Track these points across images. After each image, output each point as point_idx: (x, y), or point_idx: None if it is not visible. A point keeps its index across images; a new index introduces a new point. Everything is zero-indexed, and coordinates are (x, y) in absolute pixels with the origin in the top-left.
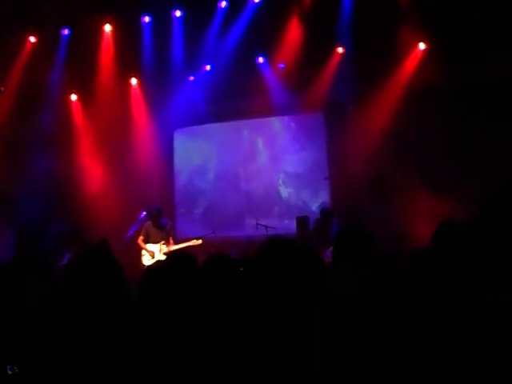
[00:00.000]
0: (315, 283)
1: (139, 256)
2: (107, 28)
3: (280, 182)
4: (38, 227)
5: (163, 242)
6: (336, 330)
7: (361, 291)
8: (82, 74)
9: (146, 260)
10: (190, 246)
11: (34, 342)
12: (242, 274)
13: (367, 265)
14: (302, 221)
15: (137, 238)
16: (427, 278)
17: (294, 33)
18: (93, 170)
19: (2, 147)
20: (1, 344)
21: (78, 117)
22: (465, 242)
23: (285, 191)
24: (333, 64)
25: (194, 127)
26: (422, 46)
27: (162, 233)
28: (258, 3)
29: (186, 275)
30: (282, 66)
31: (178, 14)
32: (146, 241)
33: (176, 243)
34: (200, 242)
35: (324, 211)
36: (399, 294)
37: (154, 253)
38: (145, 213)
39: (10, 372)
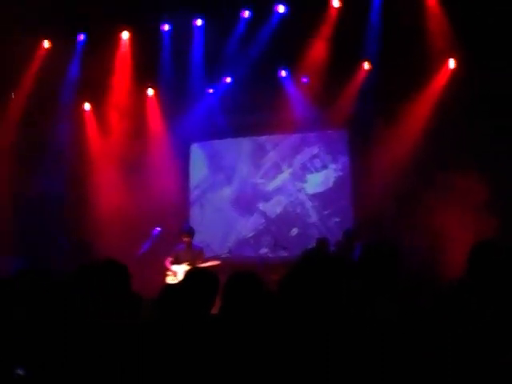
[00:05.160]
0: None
1: (162, 275)
2: (125, 35)
3: (299, 201)
4: (48, 239)
5: (188, 262)
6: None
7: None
8: (97, 82)
9: (170, 280)
10: (209, 267)
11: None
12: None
13: (391, 289)
14: (322, 243)
15: (150, 255)
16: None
17: (318, 46)
18: (105, 182)
19: (12, 157)
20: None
21: (91, 127)
22: (505, 270)
23: (304, 211)
24: (358, 79)
25: (212, 141)
26: (451, 63)
27: (193, 255)
28: (282, 14)
29: (203, 291)
30: (306, 79)
31: (199, 22)
32: (175, 263)
33: None
34: (218, 262)
35: (347, 233)
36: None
37: (176, 272)
38: (159, 229)
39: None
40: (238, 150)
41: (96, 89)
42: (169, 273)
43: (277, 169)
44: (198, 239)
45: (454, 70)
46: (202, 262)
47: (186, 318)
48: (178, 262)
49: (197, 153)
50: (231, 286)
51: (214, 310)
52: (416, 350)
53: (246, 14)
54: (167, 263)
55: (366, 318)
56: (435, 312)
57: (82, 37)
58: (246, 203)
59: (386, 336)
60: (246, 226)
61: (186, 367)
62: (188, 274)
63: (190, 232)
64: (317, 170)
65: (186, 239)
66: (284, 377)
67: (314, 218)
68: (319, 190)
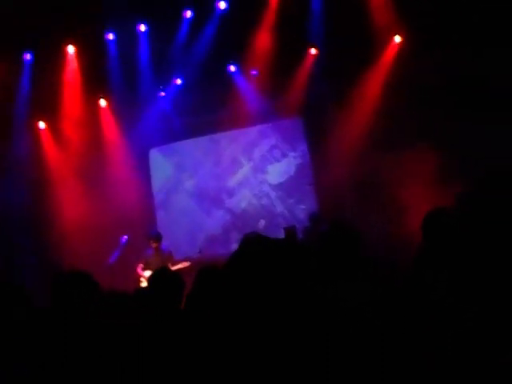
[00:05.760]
0: (300, 286)
1: (135, 282)
2: (70, 49)
3: (263, 193)
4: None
5: (158, 267)
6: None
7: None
8: (49, 98)
9: (143, 286)
10: (180, 269)
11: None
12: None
13: (354, 266)
14: (290, 231)
15: (120, 263)
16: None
17: (263, 37)
18: (67, 198)
19: None
20: None
21: (48, 144)
22: (457, 233)
23: (269, 202)
24: (307, 66)
25: (170, 145)
26: (397, 38)
27: (162, 259)
28: (224, 10)
29: (168, 291)
30: (255, 72)
31: (142, 28)
32: (145, 268)
33: None
34: (188, 263)
35: (312, 218)
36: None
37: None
38: (126, 237)
39: None
40: (197, 149)
41: (49, 105)
42: (141, 279)
43: (237, 164)
44: (167, 242)
45: (400, 46)
46: (172, 265)
47: (157, 318)
48: (148, 267)
49: (156, 157)
50: (198, 281)
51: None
52: (393, 331)
53: (188, 13)
54: (139, 270)
55: (331, 298)
56: (404, 288)
57: (28, 56)
58: (210, 201)
59: (360, 316)
60: (214, 224)
61: (157, 364)
62: (151, 278)
63: (158, 237)
64: (277, 160)
65: (153, 244)
66: (257, 365)
67: (279, 207)
68: (281, 179)
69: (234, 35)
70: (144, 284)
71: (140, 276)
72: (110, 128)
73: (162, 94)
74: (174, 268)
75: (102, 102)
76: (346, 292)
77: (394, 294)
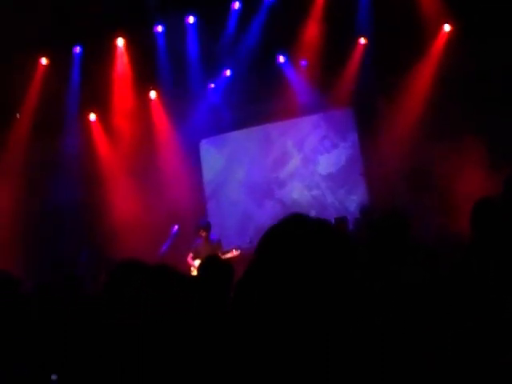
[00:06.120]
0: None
1: (186, 271)
2: (120, 42)
3: (314, 184)
4: (68, 254)
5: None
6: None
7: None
8: (99, 92)
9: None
10: (229, 258)
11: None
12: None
13: (403, 253)
14: (341, 222)
15: (172, 252)
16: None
17: (312, 28)
18: (118, 190)
19: (24, 173)
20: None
21: (99, 136)
22: (504, 223)
23: (320, 193)
24: (357, 56)
25: (220, 136)
26: (447, 27)
27: (211, 248)
28: (272, 1)
29: (217, 280)
30: (305, 62)
31: (191, 20)
32: (195, 258)
33: None
34: (238, 252)
35: (363, 210)
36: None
37: None
38: (177, 226)
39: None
40: (247, 140)
41: (99, 98)
42: (192, 268)
43: (287, 155)
44: (217, 232)
45: (449, 35)
46: (221, 254)
47: (206, 305)
48: (198, 256)
49: (206, 149)
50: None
51: None
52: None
53: (237, 5)
54: (189, 259)
55: (380, 288)
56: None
57: (78, 49)
58: (261, 192)
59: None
60: (264, 215)
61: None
62: (201, 265)
63: (207, 226)
64: (327, 151)
65: (203, 234)
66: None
67: (330, 198)
68: (332, 170)
69: (282, 26)
70: (195, 273)
71: (190, 265)
72: (161, 120)
73: (212, 85)
74: (224, 257)
75: (153, 94)
76: (397, 276)
77: (441, 281)
